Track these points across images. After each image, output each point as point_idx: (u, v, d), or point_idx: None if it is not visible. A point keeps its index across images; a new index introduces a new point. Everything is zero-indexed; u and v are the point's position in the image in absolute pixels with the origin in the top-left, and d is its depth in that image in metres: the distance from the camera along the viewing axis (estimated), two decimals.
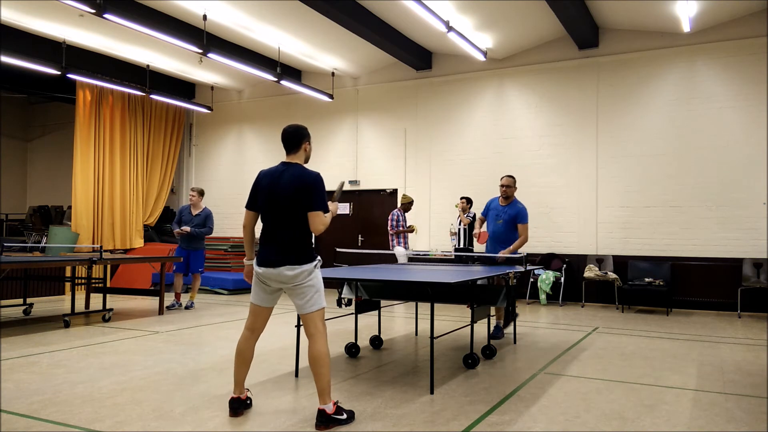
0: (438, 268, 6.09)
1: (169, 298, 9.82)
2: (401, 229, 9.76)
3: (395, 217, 9.78)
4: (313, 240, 3.66)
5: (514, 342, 6.25)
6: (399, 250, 9.52)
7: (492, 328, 6.53)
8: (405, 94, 11.65)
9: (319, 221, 3.54)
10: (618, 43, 9.84)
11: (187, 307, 8.81)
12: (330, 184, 3.75)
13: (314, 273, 3.59)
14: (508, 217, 6.52)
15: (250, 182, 4.06)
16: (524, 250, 6.50)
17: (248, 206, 3.74)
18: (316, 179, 3.59)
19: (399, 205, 10.10)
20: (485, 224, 6.87)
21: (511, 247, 6.47)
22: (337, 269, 5.63)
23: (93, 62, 10.92)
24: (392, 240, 9.75)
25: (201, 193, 9.04)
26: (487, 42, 9.99)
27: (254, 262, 3.69)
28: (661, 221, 9.46)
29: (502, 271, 5.43)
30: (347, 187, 12.03)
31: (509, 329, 6.71)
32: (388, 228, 9.81)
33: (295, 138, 3.72)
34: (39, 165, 15.97)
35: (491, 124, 10.81)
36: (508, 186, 6.57)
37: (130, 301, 9.76)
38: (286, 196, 3.56)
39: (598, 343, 6.29)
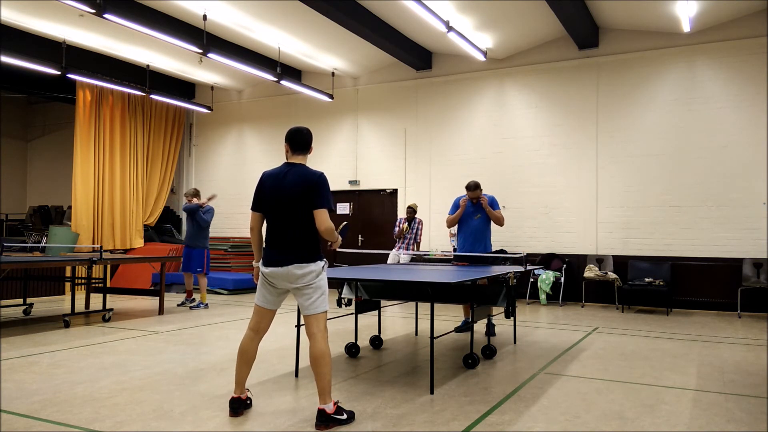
0: (438, 268, 6.09)
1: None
2: (396, 232, 9.96)
3: (397, 221, 10.13)
4: (318, 239, 3.67)
5: (514, 342, 6.25)
6: (393, 254, 9.87)
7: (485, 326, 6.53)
8: (405, 94, 11.65)
9: (325, 218, 3.56)
10: (618, 43, 9.84)
11: (192, 307, 8.78)
12: (331, 185, 3.74)
13: (322, 275, 3.61)
14: (484, 210, 6.55)
15: (250, 182, 4.07)
16: (524, 250, 6.51)
17: (254, 208, 3.74)
18: (321, 178, 3.60)
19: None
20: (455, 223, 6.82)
21: (491, 210, 6.50)
22: (337, 269, 5.63)
23: (93, 62, 10.92)
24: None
25: (195, 194, 9.01)
26: (487, 42, 9.99)
27: (261, 263, 3.69)
28: (661, 221, 9.46)
29: (503, 271, 5.42)
30: (347, 187, 12.05)
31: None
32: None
33: (308, 140, 3.73)
34: (39, 165, 15.97)
35: (491, 124, 10.81)
36: (477, 197, 6.55)
37: (130, 301, 9.76)
38: (292, 197, 3.56)
39: (598, 343, 6.29)
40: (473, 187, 6.52)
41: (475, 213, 6.59)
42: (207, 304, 8.93)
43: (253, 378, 4.48)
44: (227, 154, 13.58)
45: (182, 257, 8.99)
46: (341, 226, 4.19)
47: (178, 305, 8.98)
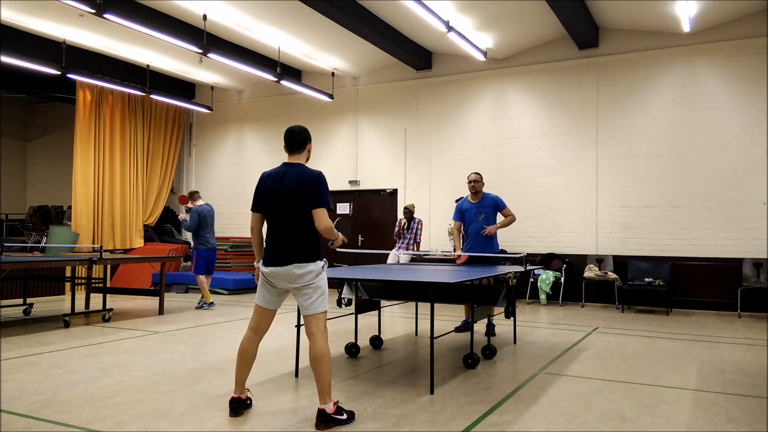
0: (438, 268, 6.09)
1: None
2: (396, 232, 10.01)
3: (397, 221, 10.20)
4: (317, 239, 3.66)
5: (514, 342, 6.25)
6: (392, 254, 9.88)
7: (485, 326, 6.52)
8: (405, 94, 11.65)
9: (324, 218, 3.57)
10: (618, 43, 9.84)
11: (197, 308, 8.81)
12: (331, 185, 3.74)
13: (321, 275, 3.62)
14: (489, 210, 6.50)
15: (250, 182, 4.07)
16: (524, 249, 6.49)
17: (253, 209, 3.75)
18: (319, 177, 3.61)
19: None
20: (461, 233, 6.71)
21: (500, 223, 6.49)
22: (337, 269, 5.63)
23: (93, 62, 10.91)
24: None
25: (183, 199, 8.97)
26: (487, 42, 9.98)
27: (261, 263, 3.69)
28: (661, 221, 9.46)
29: (502, 271, 5.42)
30: (347, 187, 12.05)
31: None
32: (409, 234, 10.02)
33: (301, 138, 3.73)
34: (39, 165, 15.97)
35: (491, 124, 10.81)
36: (476, 181, 6.53)
37: (130, 301, 9.76)
38: (291, 197, 3.57)
39: (598, 343, 6.29)
40: (470, 176, 6.59)
41: (477, 215, 6.54)
42: (211, 303, 8.92)
43: (253, 378, 4.48)
44: (227, 154, 13.58)
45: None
46: (335, 222, 4.19)
47: (197, 308, 8.93)
